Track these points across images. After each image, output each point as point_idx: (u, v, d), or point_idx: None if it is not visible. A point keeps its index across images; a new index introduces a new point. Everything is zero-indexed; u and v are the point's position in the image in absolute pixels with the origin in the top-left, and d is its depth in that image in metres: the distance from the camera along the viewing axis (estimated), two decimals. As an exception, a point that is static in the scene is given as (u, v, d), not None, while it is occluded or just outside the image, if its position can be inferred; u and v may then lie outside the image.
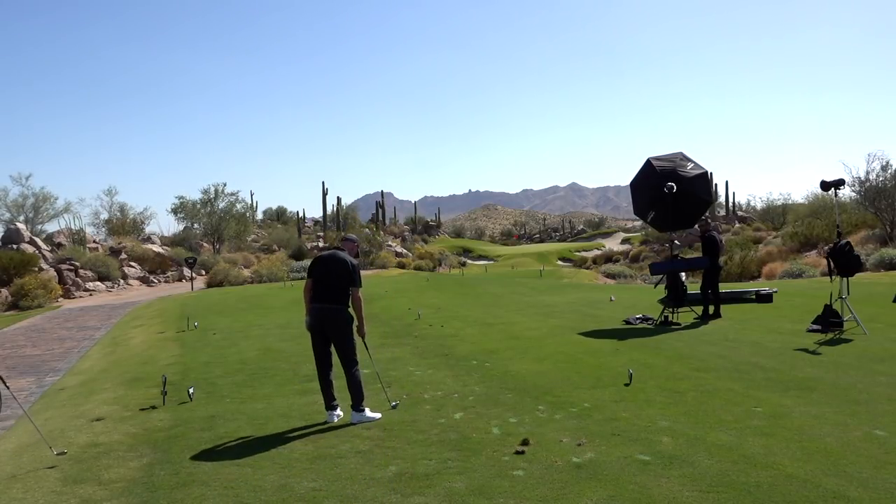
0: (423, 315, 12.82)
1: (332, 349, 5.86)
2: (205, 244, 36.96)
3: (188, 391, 6.87)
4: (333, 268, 5.83)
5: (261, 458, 4.83)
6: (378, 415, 5.68)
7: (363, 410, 5.69)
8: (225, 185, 37.85)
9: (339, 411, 5.81)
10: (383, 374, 7.54)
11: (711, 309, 10.96)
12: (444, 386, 6.88)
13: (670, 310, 10.85)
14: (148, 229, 38.56)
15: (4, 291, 21.02)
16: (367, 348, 6.07)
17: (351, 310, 5.83)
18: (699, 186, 11.04)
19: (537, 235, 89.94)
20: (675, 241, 12.17)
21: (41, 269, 23.19)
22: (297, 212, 58.52)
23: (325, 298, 5.76)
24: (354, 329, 5.87)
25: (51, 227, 32.48)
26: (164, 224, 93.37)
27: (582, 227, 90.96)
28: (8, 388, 5.40)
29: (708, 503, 3.74)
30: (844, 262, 9.11)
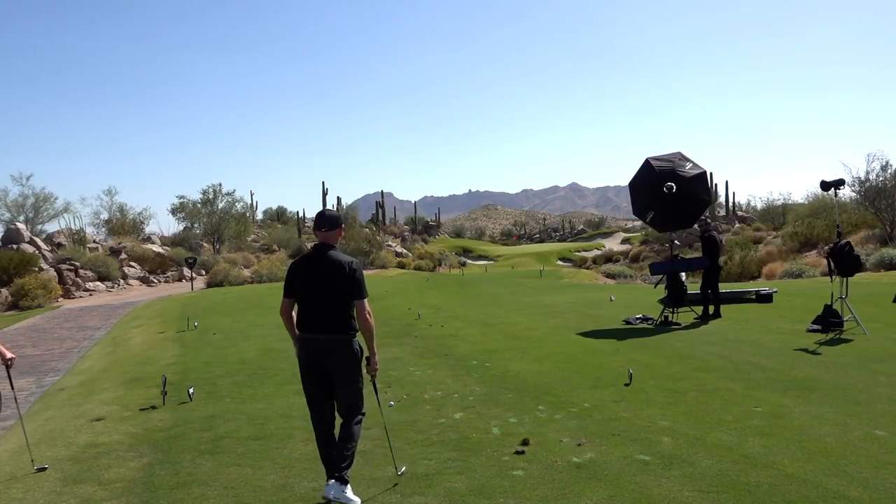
0: (423, 315, 12.82)
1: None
2: (205, 244, 36.94)
3: (188, 391, 6.87)
4: (324, 278, 4.00)
5: (261, 458, 4.83)
6: (358, 500, 3.88)
7: (347, 483, 3.91)
8: (220, 185, 37.86)
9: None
10: (383, 374, 7.53)
11: (711, 309, 10.96)
12: (444, 386, 6.88)
13: (670, 310, 10.85)
14: (148, 229, 38.55)
15: (4, 291, 21.01)
16: (375, 390, 4.33)
17: (359, 336, 4.12)
18: (698, 186, 11.05)
19: (537, 235, 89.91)
20: (675, 241, 12.17)
21: (41, 269, 23.17)
22: (297, 212, 58.50)
23: (321, 326, 4.01)
24: (364, 364, 4.13)
25: (51, 227, 32.45)
26: (164, 224, 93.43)
27: (582, 227, 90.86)
28: (13, 388, 5.39)
29: (708, 503, 3.75)
30: (844, 263, 9.11)
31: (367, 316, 4.04)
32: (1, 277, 21.94)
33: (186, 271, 27.91)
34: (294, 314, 4.20)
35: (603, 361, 7.76)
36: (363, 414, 4.16)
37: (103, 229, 36.79)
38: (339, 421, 4.16)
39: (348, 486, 3.91)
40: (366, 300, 4.06)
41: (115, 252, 28.61)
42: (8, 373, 5.19)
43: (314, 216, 4.22)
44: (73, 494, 4.33)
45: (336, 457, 3.94)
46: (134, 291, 25.18)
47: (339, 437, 4.04)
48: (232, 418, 6.00)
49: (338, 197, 54.50)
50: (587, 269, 40.15)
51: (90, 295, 23.84)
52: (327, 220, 4.15)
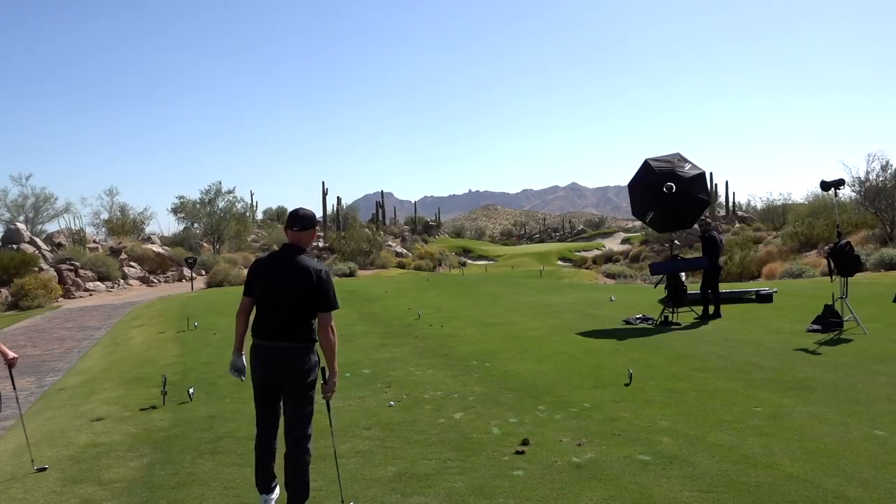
0: (423, 315, 12.82)
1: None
2: (205, 244, 36.93)
3: (188, 391, 6.87)
4: (288, 285, 3.66)
5: (261, 458, 4.82)
6: None
7: None
8: (220, 183, 37.90)
9: (277, 492, 3.88)
10: (383, 374, 7.54)
11: (711, 309, 10.97)
12: (444, 386, 6.88)
13: (670, 310, 10.85)
14: (148, 229, 38.53)
15: (4, 291, 21.01)
16: (329, 412, 3.95)
17: (318, 349, 3.77)
18: (697, 187, 11.05)
19: (537, 235, 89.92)
20: (675, 241, 12.17)
21: (41, 269, 23.17)
22: (297, 212, 58.33)
23: (277, 333, 3.70)
24: (320, 381, 3.77)
25: (51, 227, 32.45)
26: (165, 224, 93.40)
27: (582, 227, 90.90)
28: (15, 388, 5.39)
29: (708, 503, 3.75)
30: (844, 262, 9.12)
31: (331, 331, 3.67)
32: (1, 277, 21.94)
33: (186, 271, 27.91)
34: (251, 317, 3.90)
35: (603, 361, 7.76)
36: (310, 436, 3.69)
37: (103, 229, 36.81)
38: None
39: None
40: (332, 313, 3.68)
41: (115, 252, 28.61)
42: (10, 373, 5.20)
43: (287, 214, 3.85)
44: (73, 494, 4.33)
45: (291, 494, 3.66)
46: (134, 291, 25.18)
47: (287, 471, 3.67)
48: (232, 418, 6.00)
49: (338, 197, 54.54)
50: (587, 269, 40.14)
51: (90, 295, 23.84)
52: (300, 219, 3.75)
